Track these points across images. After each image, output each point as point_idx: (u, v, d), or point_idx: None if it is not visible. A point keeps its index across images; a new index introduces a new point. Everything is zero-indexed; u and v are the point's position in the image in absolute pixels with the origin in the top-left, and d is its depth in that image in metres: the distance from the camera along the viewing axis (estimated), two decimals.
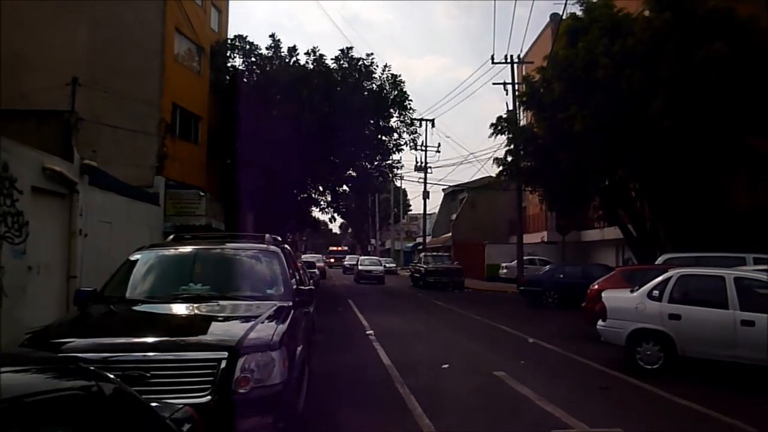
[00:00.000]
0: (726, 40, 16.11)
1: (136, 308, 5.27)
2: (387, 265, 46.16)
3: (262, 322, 4.68)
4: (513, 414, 6.80)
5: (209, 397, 3.95)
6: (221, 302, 5.26)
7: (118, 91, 17.56)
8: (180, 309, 5.18)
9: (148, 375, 3.93)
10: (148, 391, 3.88)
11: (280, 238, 7.43)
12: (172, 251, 6.20)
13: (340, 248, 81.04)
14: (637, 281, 10.71)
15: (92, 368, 2.28)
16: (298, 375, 4.89)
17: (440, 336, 13.01)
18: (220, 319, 5.01)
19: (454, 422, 6.43)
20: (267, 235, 6.79)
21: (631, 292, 9.54)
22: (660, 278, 9.13)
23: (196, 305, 5.19)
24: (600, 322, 9.63)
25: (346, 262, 53.73)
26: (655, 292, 8.99)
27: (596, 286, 12.89)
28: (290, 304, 5.43)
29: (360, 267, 38.15)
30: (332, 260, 66.07)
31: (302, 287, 6.27)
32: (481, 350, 11.30)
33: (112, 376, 2.34)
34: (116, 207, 13.27)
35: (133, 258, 6.02)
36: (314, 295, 6.75)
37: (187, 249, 6.29)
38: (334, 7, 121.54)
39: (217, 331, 4.61)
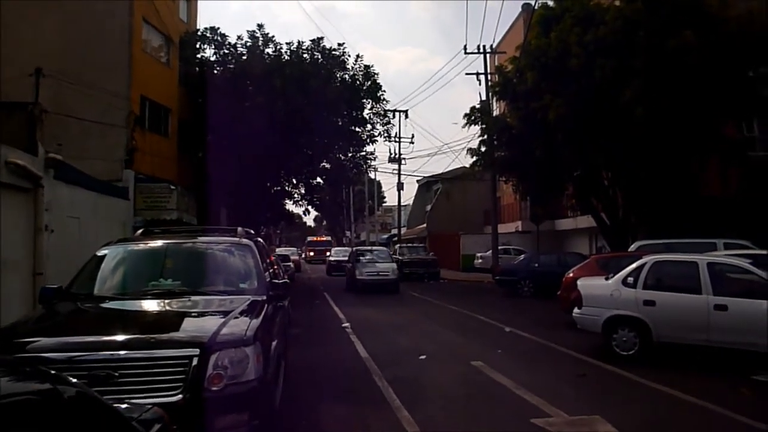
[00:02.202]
0: (695, 29, 16.29)
1: (103, 305, 5.08)
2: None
3: (235, 317, 4.55)
4: (491, 404, 6.78)
5: (180, 396, 3.82)
6: (193, 298, 5.12)
7: (85, 83, 17.10)
8: (150, 305, 5.02)
9: (116, 374, 3.78)
10: (117, 391, 3.74)
11: (252, 231, 7.29)
12: (141, 246, 6.01)
13: (320, 238, 65.38)
14: (612, 269, 10.76)
15: (53, 371, 2.14)
16: (274, 370, 4.77)
17: (417, 327, 12.96)
18: (191, 315, 4.86)
19: (432, 413, 6.37)
20: (239, 228, 6.62)
21: (606, 279, 9.59)
22: (634, 265, 9.19)
23: (166, 301, 5.03)
24: (576, 310, 9.68)
25: (331, 257, 38.82)
26: (630, 279, 9.05)
27: (571, 275, 12.97)
28: (264, 298, 5.30)
29: (359, 268, 22.48)
30: (312, 254, 56.66)
31: (276, 281, 6.13)
32: (458, 340, 11.28)
33: (74, 379, 2.20)
34: (84, 202, 12.90)
35: (100, 253, 5.81)
36: (289, 288, 6.61)
37: (157, 243, 6.08)
38: (304, 1, 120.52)
39: (188, 327, 4.46)
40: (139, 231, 6.72)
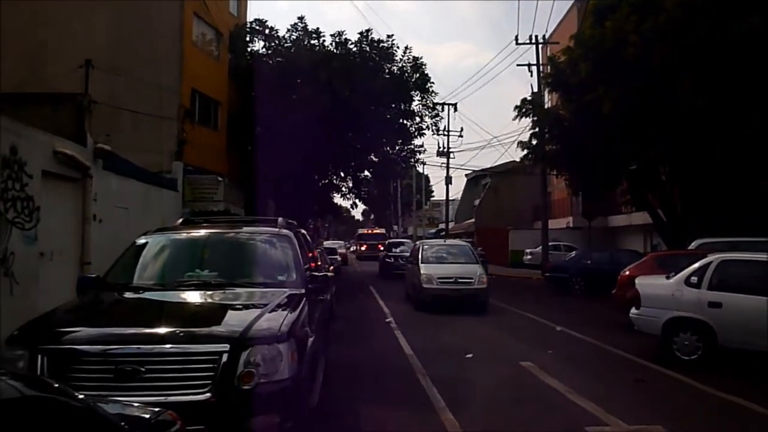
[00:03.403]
0: (764, 14, 15.28)
1: (137, 296, 4.94)
2: None
3: (270, 312, 4.32)
4: (542, 409, 6.38)
5: (209, 394, 3.61)
6: (228, 290, 4.91)
7: (137, 77, 17.37)
8: (184, 297, 4.84)
9: (143, 369, 3.59)
10: (143, 387, 3.58)
11: (295, 222, 7.06)
12: (179, 235, 5.86)
13: (373, 230, 56.66)
14: (671, 267, 10.15)
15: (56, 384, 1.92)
16: (310, 369, 4.52)
17: (463, 324, 12.57)
18: (225, 308, 4.65)
19: (478, 417, 6.04)
20: (280, 219, 6.41)
21: (667, 278, 8.99)
22: (698, 264, 8.58)
23: (201, 293, 4.85)
24: (633, 310, 9.12)
25: (392, 252, 28.90)
26: (694, 279, 8.45)
27: (627, 273, 12.33)
28: (302, 291, 5.06)
29: (425, 272, 15.01)
30: (364, 248, 48.10)
31: (316, 273, 5.89)
32: (506, 339, 10.86)
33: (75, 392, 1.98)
34: (132, 192, 13.03)
35: (138, 242, 5.70)
36: (330, 281, 6.37)
37: (195, 233, 5.93)
38: None
39: (220, 321, 4.24)
40: (179, 220, 6.60)
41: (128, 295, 4.96)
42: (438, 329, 11.77)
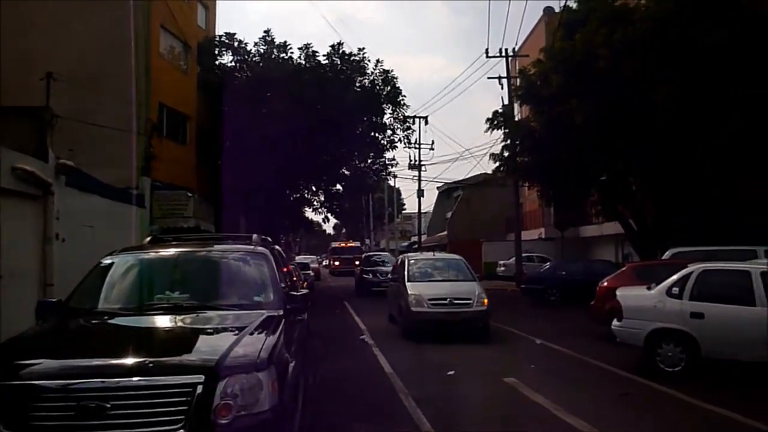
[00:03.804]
0: (729, 26, 15.58)
1: (102, 322, 4.57)
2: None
3: (248, 336, 4.01)
4: (531, 428, 6.17)
5: (182, 431, 3.29)
6: (201, 313, 4.57)
7: (103, 90, 16.86)
8: (153, 322, 4.49)
9: (108, 406, 3.26)
10: (109, 426, 3.24)
11: (269, 239, 6.76)
12: (147, 255, 5.50)
13: (347, 243, 52.36)
14: (649, 277, 10.11)
15: None
16: (291, 396, 4.22)
17: (441, 338, 12.31)
18: (198, 334, 4.31)
19: None
20: (254, 236, 6.09)
21: (649, 289, 8.91)
22: (680, 274, 8.51)
23: (171, 317, 4.51)
24: (615, 322, 9.01)
25: (369, 267, 26.82)
26: (675, 289, 8.38)
27: (606, 284, 12.27)
28: (281, 312, 4.76)
29: (413, 291, 12.59)
30: (337, 263, 45.82)
31: (295, 293, 5.60)
32: (487, 354, 10.66)
33: None
34: (98, 209, 12.52)
35: (103, 263, 5.33)
36: (308, 300, 6.07)
37: (164, 252, 5.58)
38: (325, 7, 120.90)
39: (193, 348, 3.91)
40: (147, 239, 6.23)
41: (92, 321, 4.59)
42: (416, 345, 11.50)
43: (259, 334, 4.11)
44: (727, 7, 16.00)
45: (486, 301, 12.38)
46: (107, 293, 5.00)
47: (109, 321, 4.58)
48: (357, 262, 33.99)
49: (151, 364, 3.54)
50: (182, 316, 4.52)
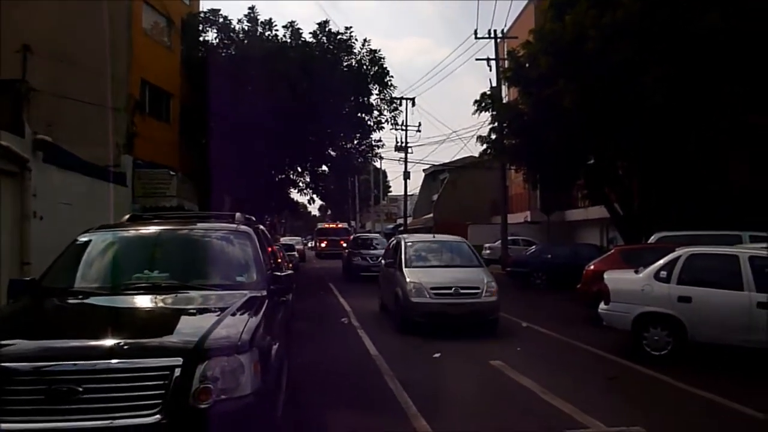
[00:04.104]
0: (721, 11, 15.46)
1: (76, 302, 4.38)
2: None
3: (229, 318, 3.85)
4: (519, 411, 6.10)
5: (159, 416, 3.13)
6: (181, 293, 4.39)
7: (83, 65, 16.38)
8: (130, 302, 4.30)
9: (80, 389, 3.09)
10: (82, 410, 3.08)
11: (254, 218, 6.58)
12: (125, 233, 5.29)
13: (335, 224, 49.86)
14: (636, 261, 10.13)
15: None
16: (275, 379, 4.08)
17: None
18: (177, 314, 4.13)
19: (453, 422, 5.71)
20: (237, 214, 5.91)
21: (636, 273, 8.86)
22: (667, 258, 8.46)
23: (150, 297, 4.33)
24: (602, 306, 8.97)
25: (359, 250, 24.41)
26: (663, 273, 8.33)
27: (593, 267, 12.26)
28: (264, 293, 4.60)
29: (411, 278, 10.87)
30: (323, 244, 43.83)
31: (278, 273, 5.43)
32: (473, 336, 10.55)
33: None
34: (77, 187, 12.18)
35: (79, 241, 5.12)
36: (293, 281, 5.91)
37: (143, 230, 5.38)
38: None
39: (171, 330, 3.73)
40: (126, 216, 6.00)
41: (66, 300, 4.39)
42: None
43: (241, 315, 3.95)
44: None
45: (496, 290, 10.73)
46: (83, 272, 4.79)
47: (84, 301, 4.40)
48: (344, 243, 32.69)
49: (126, 346, 3.37)
50: (161, 296, 4.34)
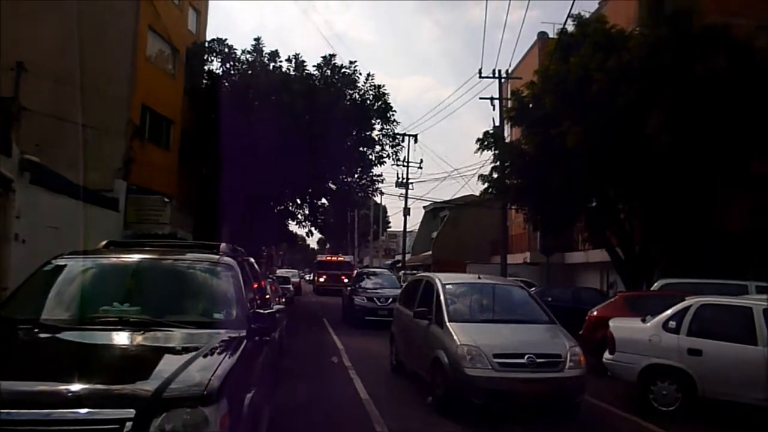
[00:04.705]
0: (725, 56, 15.46)
1: (30, 338, 3.94)
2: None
3: (199, 360, 3.42)
4: None
5: None
6: (150, 330, 3.96)
7: (84, 88, 16.23)
8: (90, 339, 3.84)
9: None
10: None
11: (241, 249, 6.18)
12: (97, 260, 4.89)
13: (335, 257, 45.82)
14: (641, 308, 9.70)
15: None
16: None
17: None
18: (139, 355, 3.71)
19: None
20: (222, 244, 5.50)
21: (643, 321, 8.43)
22: (677, 307, 8.05)
23: (114, 334, 3.89)
24: (607, 355, 8.52)
25: (362, 287, 20.39)
26: (672, 323, 7.90)
27: (596, 313, 11.81)
28: (243, 333, 4.18)
29: (473, 353, 7.22)
30: (323, 278, 40.34)
31: (261, 311, 5.00)
32: None
33: None
34: (65, 211, 11.83)
35: (45, 268, 4.72)
36: (278, 319, 5.49)
37: (117, 258, 4.97)
38: (316, 24, 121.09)
39: (129, 374, 3.29)
40: (102, 243, 5.61)
41: (20, 335, 3.95)
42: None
43: (213, 358, 3.52)
44: (721, 38, 15.93)
45: (582, 359, 7.53)
46: (44, 303, 4.35)
47: (40, 335, 3.94)
48: (346, 280, 28.98)
49: (70, 394, 2.91)
50: (127, 333, 3.90)
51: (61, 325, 4.04)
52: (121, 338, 3.86)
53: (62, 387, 2.99)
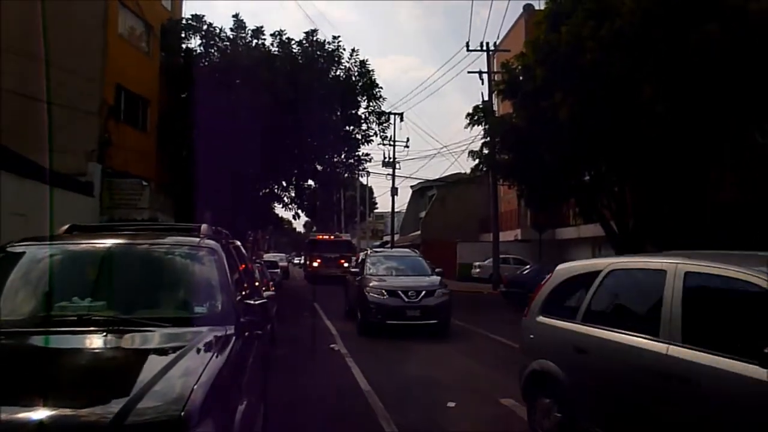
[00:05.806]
0: (720, 21, 14.83)
1: None
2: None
3: (176, 369, 2.70)
4: None
5: None
6: (116, 331, 3.22)
7: (54, 67, 15.23)
8: (41, 343, 3.13)
9: None
10: None
11: (225, 231, 5.44)
12: (54, 248, 4.10)
13: (331, 236, 37.74)
14: None
15: None
16: None
17: (422, 348, 11.15)
18: (102, 365, 2.97)
19: None
20: (204, 226, 4.72)
21: None
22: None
23: (71, 337, 3.17)
24: None
25: (379, 274, 13.84)
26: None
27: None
28: (231, 330, 3.47)
29: None
30: (317, 263, 32.62)
31: (251, 301, 4.29)
32: (475, 367, 9.53)
33: None
34: (33, 196, 10.93)
35: None
36: (270, 309, 4.79)
37: (79, 245, 4.20)
38: (298, 6, 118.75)
39: (86, 393, 2.55)
40: (63, 228, 4.83)
41: None
42: (395, 356, 10.31)
43: (193, 365, 2.78)
44: (716, 2, 15.30)
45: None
46: None
47: None
48: (346, 264, 24.89)
49: (13, 423, 2.21)
50: (87, 336, 3.17)
51: (11, 327, 3.29)
52: (80, 342, 3.13)
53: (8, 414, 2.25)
